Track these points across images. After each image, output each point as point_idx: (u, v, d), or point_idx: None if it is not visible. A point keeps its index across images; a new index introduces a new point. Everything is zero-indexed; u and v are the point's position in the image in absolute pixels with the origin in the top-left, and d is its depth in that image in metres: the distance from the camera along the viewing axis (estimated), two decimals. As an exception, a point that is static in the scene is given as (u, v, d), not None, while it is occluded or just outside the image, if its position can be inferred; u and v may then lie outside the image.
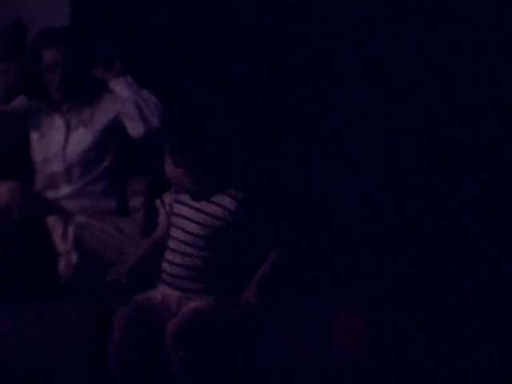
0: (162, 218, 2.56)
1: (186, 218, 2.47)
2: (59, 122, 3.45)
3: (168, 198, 2.55)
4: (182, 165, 2.42)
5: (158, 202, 2.58)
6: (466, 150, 3.66)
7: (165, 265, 2.49)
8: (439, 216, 3.71)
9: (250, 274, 2.45)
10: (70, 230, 3.26)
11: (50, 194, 3.44)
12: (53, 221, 3.28)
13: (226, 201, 2.45)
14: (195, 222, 2.45)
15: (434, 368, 3.05)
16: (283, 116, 3.86)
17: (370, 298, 3.43)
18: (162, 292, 2.48)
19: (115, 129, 3.42)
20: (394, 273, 3.65)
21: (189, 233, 2.45)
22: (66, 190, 3.44)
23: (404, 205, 3.75)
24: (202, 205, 2.46)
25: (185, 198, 2.49)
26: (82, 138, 3.42)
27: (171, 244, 2.48)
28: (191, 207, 2.47)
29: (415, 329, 3.34)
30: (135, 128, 3.33)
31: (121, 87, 3.37)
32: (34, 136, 3.46)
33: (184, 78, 3.83)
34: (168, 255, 2.48)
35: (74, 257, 3.20)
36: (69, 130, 3.43)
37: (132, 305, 2.47)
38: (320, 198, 3.81)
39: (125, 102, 3.34)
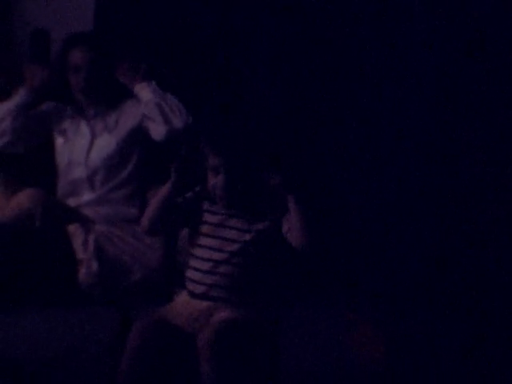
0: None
1: (221, 225, 2.44)
2: (84, 128, 3.47)
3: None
4: (219, 169, 2.41)
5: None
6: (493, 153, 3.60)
7: (193, 273, 2.46)
8: (458, 220, 3.66)
9: (277, 284, 2.45)
10: (91, 238, 3.27)
11: (72, 201, 3.45)
12: (73, 229, 3.29)
13: (268, 206, 2.43)
14: (234, 228, 2.43)
15: (451, 375, 3.04)
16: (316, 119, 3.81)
17: (388, 305, 3.42)
18: (187, 303, 2.45)
19: (139, 134, 3.44)
20: (412, 280, 3.62)
21: (225, 239, 2.43)
22: (88, 196, 3.45)
23: (421, 212, 3.70)
24: (242, 211, 2.44)
25: (220, 205, 2.45)
26: (106, 144, 3.44)
27: (199, 253, 2.45)
28: (229, 215, 2.45)
29: (432, 335, 3.32)
30: (157, 130, 3.35)
31: (145, 92, 3.39)
32: (59, 140, 3.49)
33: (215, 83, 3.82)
34: (196, 263, 2.45)
35: (95, 265, 3.21)
36: (93, 135, 3.46)
37: (151, 318, 2.43)
38: (336, 204, 3.78)
39: (147, 104, 3.36)
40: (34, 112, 3.47)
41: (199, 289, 2.43)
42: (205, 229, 2.46)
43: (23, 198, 3.27)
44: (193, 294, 2.44)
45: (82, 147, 3.45)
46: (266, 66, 3.79)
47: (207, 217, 2.47)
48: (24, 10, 3.91)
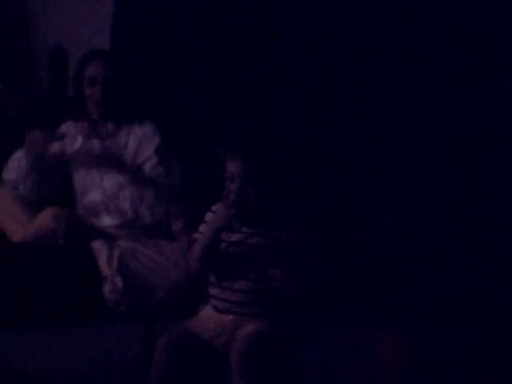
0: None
1: (241, 244, 2.44)
2: (97, 149, 3.45)
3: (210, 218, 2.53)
4: (236, 177, 2.41)
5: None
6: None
7: (214, 290, 2.46)
8: (481, 230, 3.59)
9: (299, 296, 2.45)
10: (115, 254, 3.27)
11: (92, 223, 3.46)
12: (98, 246, 3.29)
13: (284, 222, 2.44)
14: (254, 246, 2.43)
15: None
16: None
17: (410, 318, 3.39)
18: (212, 317, 2.45)
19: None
20: (434, 291, 3.58)
21: (245, 256, 2.42)
22: (106, 220, 3.45)
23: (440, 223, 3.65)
24: (262, 229, 2.44)
25: (237, 223, 2.45)
26: (119, 172, 3.43)
27: (220, 270, 2.45)
28: (249, 234, 2.44)
29: (456, 347, 3.28)
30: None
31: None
32: (74, 167, 3.47)
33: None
34: (217, 280, 2.45)
35: (119, 281, 3.21)
36: (106, 159, 3.44)
37: (177, 332, 2.43)
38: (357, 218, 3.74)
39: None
40: (50, 161, 3.44)
41: (222, 305, 2.44)
42: (224, 247, 2.46)
43: (46, 216, 3.29)
44: (217, 309, 2.45)
45: (96, 172, 3.44)
46: (290, 77, 3.75)
47: (226, 235, 2.46)
48: (43, 28, 3.93)
